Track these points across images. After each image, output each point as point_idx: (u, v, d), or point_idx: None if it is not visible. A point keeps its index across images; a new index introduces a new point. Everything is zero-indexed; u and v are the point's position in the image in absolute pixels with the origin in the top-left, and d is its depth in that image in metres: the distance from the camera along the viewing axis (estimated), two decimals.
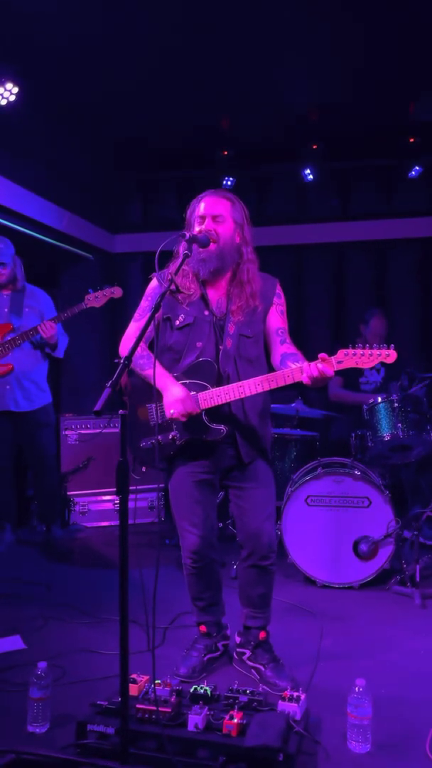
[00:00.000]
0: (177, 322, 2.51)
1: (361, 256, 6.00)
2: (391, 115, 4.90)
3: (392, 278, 5.94)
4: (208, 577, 2.63)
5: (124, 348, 2.57)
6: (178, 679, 2.46)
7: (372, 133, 5.28)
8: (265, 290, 2.55)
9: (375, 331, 4.84)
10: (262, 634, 2.61)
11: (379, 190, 5.93)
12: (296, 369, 2.29)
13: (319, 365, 2.22)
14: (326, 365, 2.22)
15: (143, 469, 2.53)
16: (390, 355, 2.25)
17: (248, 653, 2.63)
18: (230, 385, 2.38)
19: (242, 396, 2.37)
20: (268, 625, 2.65)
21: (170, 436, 2.49)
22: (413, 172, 5.33)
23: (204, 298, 2.51)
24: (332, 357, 2.25)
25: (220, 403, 2.39)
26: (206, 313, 2.49)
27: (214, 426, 2.43)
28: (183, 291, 2.50)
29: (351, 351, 2.25)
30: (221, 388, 2.39)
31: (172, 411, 2.37)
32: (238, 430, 2.48)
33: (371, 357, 2.25)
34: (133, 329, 2.59)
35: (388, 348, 2.25)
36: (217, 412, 2.44)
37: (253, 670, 2.60)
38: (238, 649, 2.70)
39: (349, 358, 2.25)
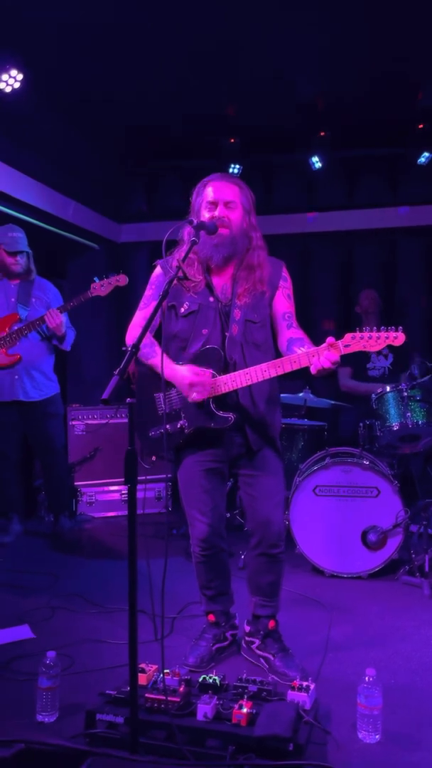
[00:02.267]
0: (182, 310, 2.48)
1: (369, 244, 5.96)
2: (398, 103, 4.84)
3: (400, 266, 5.90)
4: (216, 566, 2.62)
5: (130, 336, 2.55)
6: (186, 668, 2.45)
7: (379, 121, 5.22)
8: (272, 275, 2.52)
9: (365, 308, 4.83)
10: (271, 623, 2.60)
11: (386, 179, 5.87)
12: (303, 354, 2.26)
13: (327, 352, 2.19)
14: (334, 350, 2.20)
15: (153, 458, 2.51)
16: (398, 338, 2.21)
17: (257, 642, 2.62)
18: (237, 372, 2.36)
19: (249, 383, 2.35)
20: (278, 613, 2.64)
21: (178, 425, 2.47)
22: (422, 159, 5.28)
23: (209, 286, 2.49)
24: (339, 341, 2.22)
25: (226, 390, 2.37)
26: (211, 299, 2.47)
27: (222, 414, 2.40)
28: (190, 278, 2.47)
29: (358, 334, 2.22)
30: (228, 375, 2.37)
31: (194, 395, 2.37)
32: (246, 417, 2.46)
33: (378, 339, 2.21)
34: (138, 318, 2.57)
35: (396, 330, 2.21)
36: (225, 400, 2.42)
37: (261, 659, 2.59)
38: (246, 638, 2.70)
39: (356, 341, 2.22)
